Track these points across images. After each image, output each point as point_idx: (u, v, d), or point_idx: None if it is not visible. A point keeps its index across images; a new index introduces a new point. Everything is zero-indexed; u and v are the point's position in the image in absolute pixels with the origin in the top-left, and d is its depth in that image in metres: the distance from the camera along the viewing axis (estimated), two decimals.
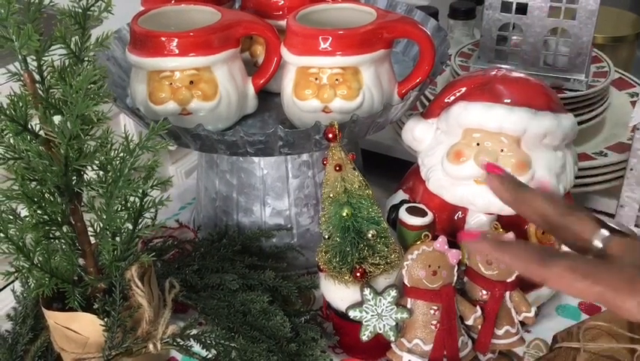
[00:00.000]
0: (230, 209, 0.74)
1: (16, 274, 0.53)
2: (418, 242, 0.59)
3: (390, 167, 0.85)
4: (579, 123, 0.68)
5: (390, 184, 0.78)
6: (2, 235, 0.51)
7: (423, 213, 0.63)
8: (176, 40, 0.60)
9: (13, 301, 0.73)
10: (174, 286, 0.61)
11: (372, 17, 0.63)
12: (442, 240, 0.58)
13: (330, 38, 0.60)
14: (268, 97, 0.71)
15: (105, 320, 0.53)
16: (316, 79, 0.61)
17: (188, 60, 0.61)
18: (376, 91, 0.62)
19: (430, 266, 0.58)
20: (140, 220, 0.57)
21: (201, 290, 0.66)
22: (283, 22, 0.66)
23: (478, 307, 0.59)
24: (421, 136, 0.65)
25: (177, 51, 0.61)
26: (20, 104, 0.49)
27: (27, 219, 0.51)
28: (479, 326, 0.59)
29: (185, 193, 0.91)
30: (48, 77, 0.51)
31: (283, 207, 0.72)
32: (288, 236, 0.74)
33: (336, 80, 0.61)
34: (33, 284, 0.62)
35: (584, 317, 0.68)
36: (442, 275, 0.58)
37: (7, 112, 0.48)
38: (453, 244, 0.59)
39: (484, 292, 0.60)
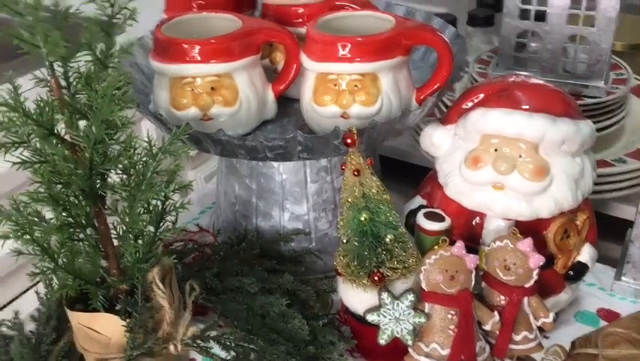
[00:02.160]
0: (250, 213, 0.75)
1: (40, 276, 0.54)
2: (436, 247, 0.59)
3: (408, 173, 0.86)
4: (598, 130, 0.68)
5: (408, 190, 0.78)
6: (28, 236, 0.52)
7: (441, 219, 0.63)
8: (198, 47, 0.62)
9: (36, 303, 0.74)
10: (194, 288, 0.62)
11: (391, 25, 0.63)
12: (459, 244, 0.58)
13: (349, 45, 0.61)
14: (287, 103, 0.72)
15: (127, 320, 0.54)
16: (335, 85, 0.62)
17: (210, 67, 0.62)
18: (394, 97, 0.63)
19: (447, 271, 0.58)
20: (161, 223, 0.58)
21: (221, 293, 0.67)
22: (303, 30, 0.67)
23: (495, 313, 0.59)
24: (439, 142, 0.66)
25: (199, 58, 0.62)
26: (47, 109, 0.50)
27: (52, 221, 0.53)
28: (497, 332, 0.59)
29: (205, 198, 0.92)
30: (74, 83, 0.52)
31: (302, 211, 0.73)
32: (306, 240, 0.74)
33: (355, 86, 0.62)
34: (57, 286, 0.64)
35: (603, 323, 0.68)
36: (460, 280, 0.58)
37: (34, 117, 0.50)
38: (471, 248, 0.59)
39: (502, 297, 0.60)
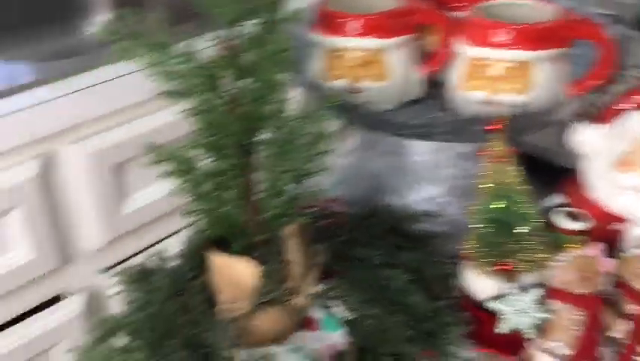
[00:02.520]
0: (382, 190, 0.77)
1: (191, 216, 0.60)
2: (573, 246, 0.58)
3: (551, 173, 0.83)
4: None
5: (548, 190, 0.76)
6: (184, 179, 0.57)
7: (579, 219, 0.61)
8: (357, 22, 0.64)
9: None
10: (323, 251, 0.65)
11: (554, 15, 0.62)
12: (596, 247, 0.57)
13: (507, 31, 0.60)
14: (435, 86, 0.73)
15: (261, 268, 0.58)
16: (487, 71, 0.62)
17: (365, 42, 0.64)
18: (547, 89, 0.62)
19: (580, 271, 0.57)
20: (301, 184, 0.61)
21: (347, 260, 0.69)
22: (461, 14, 0.68)
23: (625, 321, 0.57)
24: (589, 140, 0.64)
25: (354, 32, 0.64)
26: (215, 64, 0.55)
27: (206, 168, 0.58)
28: (625, 341, 0.57)
29: (342, 171, 0.95)
30: (242, 44, 0.56)
31: (435, 194, 0.74)
32: (437, 224, 0.75)
33: (507, 73, 0.61)
34: (202, 228, 0.70)
35: None
36: (592, 282, 0.57)
37: (204, 70, 0.54)
38: (607, 253, 0.57)
39: (634, 306, 0.57)
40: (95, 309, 1.13)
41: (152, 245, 1.19)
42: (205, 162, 0.59)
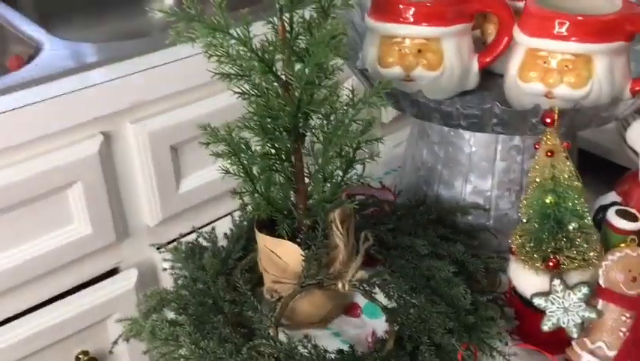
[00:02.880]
0: (432, 180, 0.76)
1: (239, 196, 0.61)
2: (623, 245, 0.56)
3: (607, 171, 0.81)
4: None
5: (602, 188, 0.74)
6: (236, 158, 0.58)
7: (634, 218, 0.60)
8: (412, 9, 0.64)
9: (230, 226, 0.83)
10: (368, 238, 0.65)
11: (616, 8, 0.60)
12: None
13: (567, 23, 0.59)
14: (490, 77, 0.72)
15: (305, 251, 0.59)
16: (544, 62, 0.61)
17: (420, 29, 0.64)
18: (606, 83, 0.60)
19: (630, 271, 0.55)
20: (349, 170, 0.62)
21: (392, 248, 0.69)
22: (520, 4, 0.66)
23: None
24: None
25: (411, 19, 0.64)
26: (270, 48, 0.55)
27: (257, 150, 0.59)
28: None
29: (392, 160, 0.95)
30: (297, 28, 0.57)
31: (485, 187, 0.73)
32: (484, 217, 0.74)
33: (566, 66, 0.60)
34: (250, 210, 0.71)
35: None
36: None
37: (259, 53, 0.55)
38: None
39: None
40: (148, 282, 1.17)
41: (205, 225, 1.22)
42: (256, 144, 0.60)
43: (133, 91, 1.02)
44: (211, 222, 1.22)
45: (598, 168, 0.83)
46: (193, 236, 0.76)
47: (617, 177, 0.75)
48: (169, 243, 1.18)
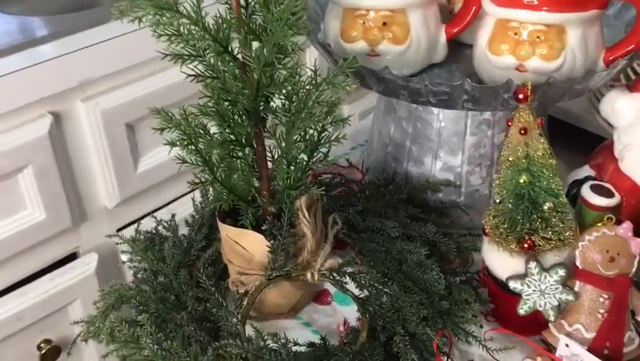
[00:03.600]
0: (401, 157, 0.73)
1: (199, 185, 0.57)
2: (599, 223, 0.55)
3: (577, 139, 0.79)
4: None
5: (574, 157, 0.72)
6: (193, 147, 0.54)
7: (609, 194, 0.58)
8: None
9: (190, 209, 0.79)
10: (337, 222, 0.62)
11: None
12: (627, 225, 0.53)
13: None
14: (458, 48, 0.69)
15: (271, 242, 0.56)
16: (515, 34, 0.58)
17: (385, 0, 0.60)
18: (580, 54, 0.57)
19: (608, 251, 0.54)
20: (315, 153, 0.58)
21: (362, 231, 0.67)
22: None
23: None
24: (623, 110, 0.60)
25: None
26: (224, 26, 0.51)
27: (216, 136, 0.55)
28: None
29: (358, 134, 0.92)
30: (252, 3, 0.53)
31: (455, 163, 0.70)
32: (455, 193, 0.72)
33: (538, 37, 0.57)
34: (212, 197, 0.67)
35: None
36: (620, 263, 0.54)
37: (212, 32, 0.51)
38: (638, 232, 0.54)
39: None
40: (109, 266, 1.13)
41: (167, 204, 1.18)
42: (215, 128, 0.56)
43: (82, 67, 0.96)
44: (173, 201, 1.18)
45: (566, 135, 0.81)
46: (152, 224, 0.72)
47: (587, 145, 0.73)
48: (129, 224, 1.15)
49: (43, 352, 1.07)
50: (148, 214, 1.18)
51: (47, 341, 1.07)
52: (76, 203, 1.04)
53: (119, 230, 1.14)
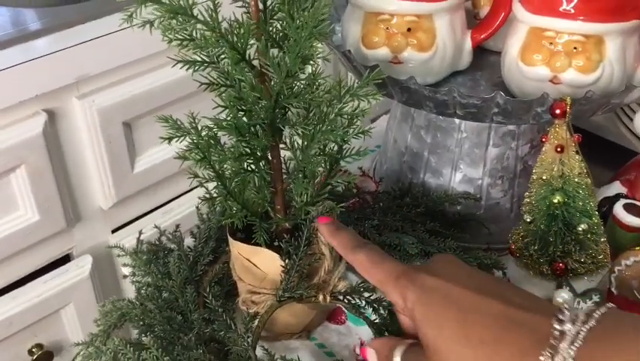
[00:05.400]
0: (418, 167, 0.70)
1: (210, 200, 0.53)
2: (638, 247, 0.52)
3: (600, 150, 0.76)
4: None
5: (598, 170, 0.69)
6: (206, 161, 0.51)
7: None
8: None
9: (188, 209, 0.75)
10: None
11: None
12: None
13: (577, 0, 0.52)
14: (481, 54, 0.65)
15: (287, 261, 0.53)
16: (551, 44, 0.54)
17: (411, 5, 0.56)
18: (618, 67, 0.54)
19: None
20: (334, 167, 0.55)
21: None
22: None
23: None
24: None
25: None
26: (243, 32, 0.47)
27: (231, 149, 0.51)
28: None
29: (367, 139, 0.88)
30: (271, 6, 0.49)
31: (476, 175, 0.67)
32: (474, 206, 0.68)
33: (574, 48, 0.53)
34: (219, 208, 0.64)
35: None
36: None
37: (229, 39, 0.47)
38: None
39: None
40: (104, 269, 1.10)
41: (163, 205, 1.14)
42: (226, 138, 0.52)
43: (78, 63, 0.92)
44: (169, 201, 1.14)
45: (587, 145, 0.78)
46: (151, 231, 0.68)
47: (608, 155, 0.70)
48: (124, 225, 1.11)
49: (34, 357, 1.03)
50: (144, 215, 1.15)
51: (39, 346, 1.04)
52: (71, 204, 1.00)
53: (114, 231, 1.10)
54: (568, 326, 0.34)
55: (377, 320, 0.55)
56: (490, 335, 0.36)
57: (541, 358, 0.34)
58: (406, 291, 0.41)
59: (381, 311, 0.53)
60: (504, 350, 0.35)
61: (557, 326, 0.34)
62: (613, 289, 0.52)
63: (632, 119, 0.62)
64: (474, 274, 0.41)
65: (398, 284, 0.41)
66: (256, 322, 0.54)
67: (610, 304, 0.35)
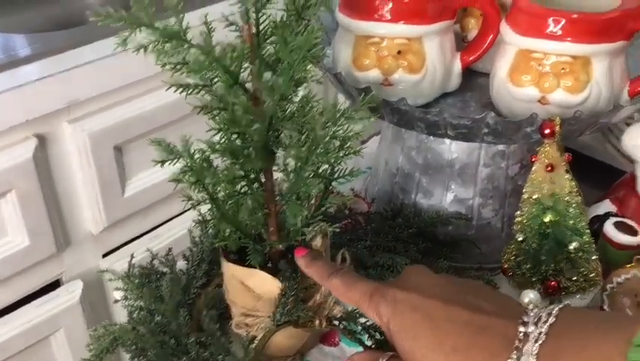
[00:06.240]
0: (410, 188, 0.70)
1: (206, 223, 0.53)
2: (629, 265, 0.52)
3: (589, 169, 0.77)
4: None
5: (587, 189, 0.70)
6: (200, 184, 0.51)
7: (633, 232, 0.55)
8: (391, 4, 0.57)
9: (179, 233, 0.75)
10: (346, 259, 0.59)
11: (615, 3, 0.55)
12: None
13: (564, 21, 0.53)
14: (472, 76, 0.66)
15: (283, 284, 0.53)
16: (539, 65, 0.55)
17: (401, 28, 0.57)
18: (605, 87, 0.55)
19: (637, 296, 0.51)
20: (327, 190, 0.55)
21: (371, 268, 0.64)
22: None
23: None
24: None
25: (390, 17, 0.57)
26: (236, 56, 0.48)
27: (224, 172, 0.51)
28: None
29: (358, 160, 0.88)
30: (265, 31, 0.49)
31: (467, 195, 0.67)
32: (466, 227, 0.69)
33: (562, 69, 0.54)
34: (212, 231, 0.63)
35: None
36: None
37: (223, 63, 0.47)
38: None
39: None
40: (94, 294, 1.09)
41: (153, 229, 1.14)
42: (218, 160, 0.53)
43: (69, 88, 0.92)
44: (160, 225, 1.14)
45: (577, 164, 0.79)
46: (143, 254, 0.68)
47: (599, 174, 0.71)
48: (115, 250, 1.10)
49: None
50: (135, 239, 1.14)
51: None
52: (61, 229, 1.00)
53: (104, 256, 1.09)
54: (531, 328, 0.36)
55: (373, 346, 0.54)
56: (462, 342, 0.38)
57: None
58: (380, 307, 0.42)
59: (377, 336, 0.53)
60: (476, 354, 0.37)
61: (522, 329, 0.36)
62: (605, 307, 0.52)
63: (619, 139, 0.63)
64: (443, 283, 0.43)
65: (372, 301, 0.43)
66: (253, 347, 0.54)
67: (566, 302, 0.36)
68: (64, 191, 0.99)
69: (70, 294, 1.04)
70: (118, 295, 0.65)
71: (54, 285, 1.04)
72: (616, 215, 0.60)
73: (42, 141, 0.93)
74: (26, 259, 0.97)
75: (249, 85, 0.50)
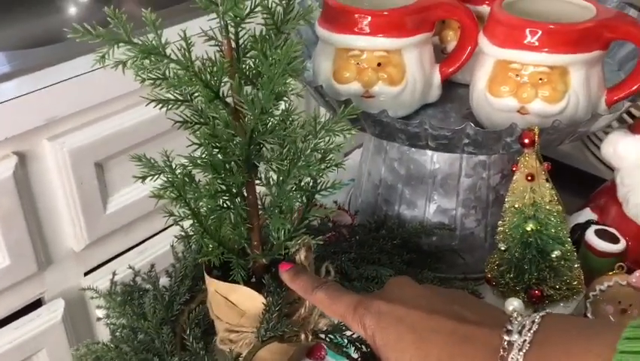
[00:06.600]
0: (393, 199, 0.70)
1: (189, 239, 0.53)
2: (611, 273, 0.52)
3: (570, 178, 0.78)
4: None
5: (567, 197, 0.71)
6: (182, 199, 0.50)
7: (614, 239, 0.56)
8: (370, 18, 0.57)
9: (162, 250, 0.74)
10: (330, 272, 0.59)
11: (590, 13, 0.56)
12: (639, 275, 0.51)
13: (540, 32, 0.54)
14: (451, 87, 0.67)
15: (267, 299, 0.52)
16: (517, 75, 0.56)
17: (380, 41, 0.58)
18: (583, 96, 0.56)
19: (620, 303, 0.51)
20: (310, 201, 0.55)
21: (355, 280, 0.63)
22: (482, 8, 0.61)
23: None
24: (625, 152, 0.58)
25: (368, 30, 0.58)
26: (216, 70, 0.48)
27: (206, 186, 0.51)
28: None
29: (341, 172, 0.88)
30: (244, 45, 0.49)
31: (450, 206, 0.68)
32: (449, 237, 0.69)
33: (540, 79, 0.55)
34: (195, 246, 0.63)
35: None
36: (633, 315, 0.51)
37: (202, 77, 0.47)
38: None
39: None
40: (77, 313, 1.07)
41: (136, 245, 1.13)
42: (200, 175, 0.52)
43: (48, 105, 0.91)
44: (143, 242, 1.13)
45: (557, 173, 0.79)
46: (126, 272, 0.67)
47: (579, 183, 0.71)
48: (97, 267, 1.09)
49: None
50: (117, 256, 1.13)
51: None
52: (42, 247, 0.98)
53: (86, 273, 1.08)
54: (515, 337, 0.36)
55: (359, 359, 0.54)
56: (446, 353, 0.38)
57: None
58: (364, 319, 0.42)
59: (364, 349, 0.53)
60: None
61: (506, 337, 0.36)
62: (589, 315, 0.52)
63: (599, 147, 0.64)
64: (426, 293, 0.43)
65: (357, 314, 0.43)
66: None
67: (548, 310, 0.37)
68: (45, 209, 0.97)
69: (52, 313, 1.02)
70: (100, 313, 0.64)
71: (36, 304, 1.03)
72: (597, 223, 0.60)
73: (22, 158, 0.92)
74: (7, 279, 0.95)
75: (229, 99, 0.50)
